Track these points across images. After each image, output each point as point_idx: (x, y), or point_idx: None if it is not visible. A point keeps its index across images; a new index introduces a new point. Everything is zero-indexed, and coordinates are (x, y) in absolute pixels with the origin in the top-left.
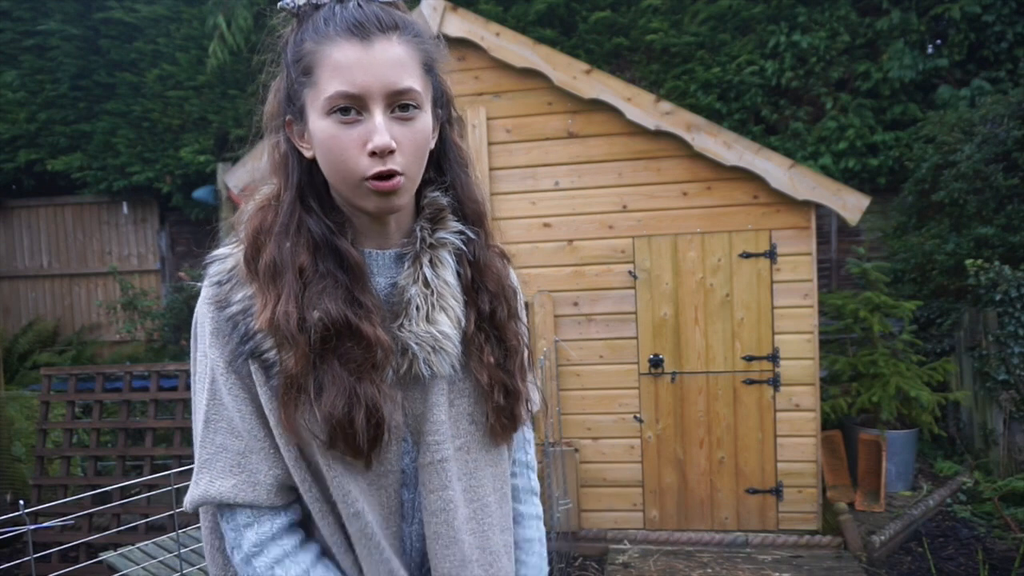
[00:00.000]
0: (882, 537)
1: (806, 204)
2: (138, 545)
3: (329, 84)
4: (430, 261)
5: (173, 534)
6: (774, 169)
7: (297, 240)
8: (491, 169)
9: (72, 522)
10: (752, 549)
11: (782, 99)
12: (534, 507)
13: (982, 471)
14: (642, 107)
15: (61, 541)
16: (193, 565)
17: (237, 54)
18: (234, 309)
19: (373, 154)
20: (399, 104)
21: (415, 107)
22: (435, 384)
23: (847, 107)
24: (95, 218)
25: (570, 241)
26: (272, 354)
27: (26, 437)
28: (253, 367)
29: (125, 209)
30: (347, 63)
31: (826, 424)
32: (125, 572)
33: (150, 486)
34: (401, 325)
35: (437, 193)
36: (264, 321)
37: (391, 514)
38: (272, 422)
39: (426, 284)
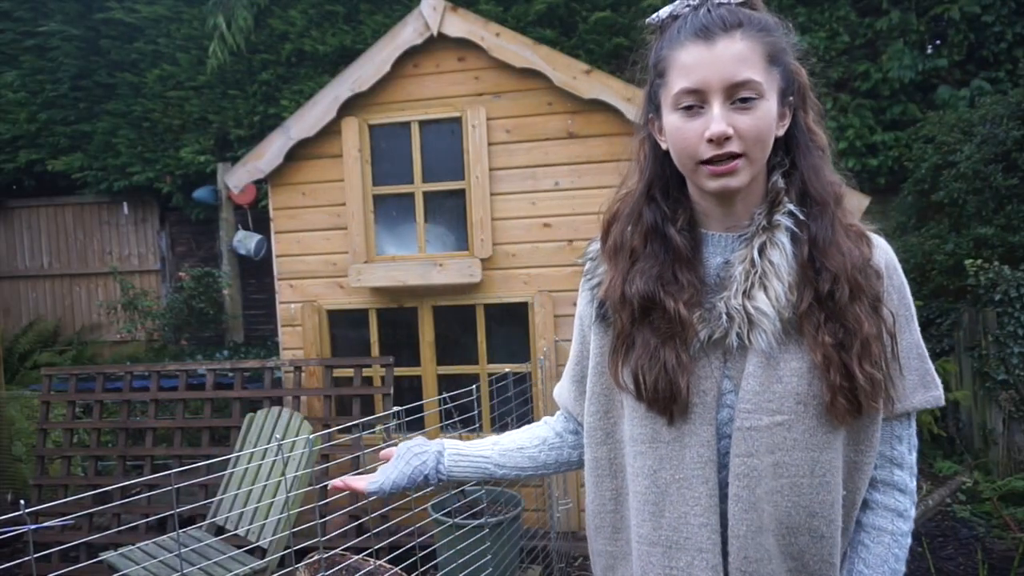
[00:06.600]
0: None
1: None
2: (138, 545)
3: (676, 82)
4: (761, 242)
5: (173, 534)
6: None
7: (635, 227)
8: (491, 169)
9: (72, 522)
10: None
11: None
12: (893, 500)
13: (981, 471)
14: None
15: (62, 541)
16: (193, 565)
17: (237, 54)
18: (594, 281)
19: (710, 141)
20: (739, 96)
21: (755, 97)
22: (752, 356)
23: (847, 107)
24: (95, 218)
25: (570, 241)
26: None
27: (27, 437)
28: (598, 325)
29: (125, 209)
30: (691, 63)
31: None
32: (125, 572)
33: (150, 486)
34: (723, 298)
35: (777, 177)
36: (602, 291)
37: (701, 465)
38: (591, 365)
39: (752, 264)
